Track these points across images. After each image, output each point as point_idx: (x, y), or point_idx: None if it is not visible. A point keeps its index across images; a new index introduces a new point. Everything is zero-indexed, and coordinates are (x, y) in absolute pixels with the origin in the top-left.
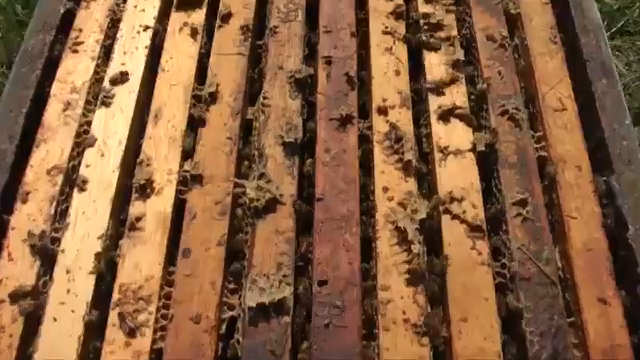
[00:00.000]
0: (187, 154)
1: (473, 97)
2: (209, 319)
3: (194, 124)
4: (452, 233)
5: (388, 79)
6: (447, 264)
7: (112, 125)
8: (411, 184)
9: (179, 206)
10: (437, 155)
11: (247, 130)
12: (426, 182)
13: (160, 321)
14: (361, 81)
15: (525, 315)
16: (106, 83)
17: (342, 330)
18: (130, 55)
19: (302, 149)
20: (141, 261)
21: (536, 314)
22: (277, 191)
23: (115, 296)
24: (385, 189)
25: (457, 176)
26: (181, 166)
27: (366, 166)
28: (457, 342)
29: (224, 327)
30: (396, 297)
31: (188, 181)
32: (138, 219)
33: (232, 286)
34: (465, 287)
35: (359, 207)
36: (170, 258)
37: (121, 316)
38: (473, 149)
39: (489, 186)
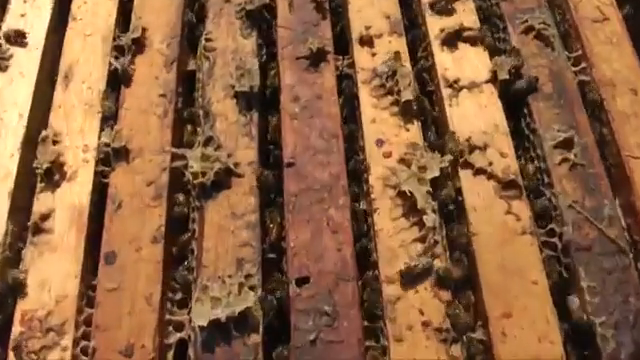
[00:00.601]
0: (108, 122)
1: (484, 14)
2: (145, 349)
3: (116, 82)
4: (477, 194)
5: (370, 1)
6: (474, 237)
7: (9, 94)
8: (414, 132)
9: (99, 194)
10: (445, 92)
11: (187, 84)
12: (433, 129)
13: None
14: (335, 7)
15: (590, 300)
16: (1, 41)
17: (336, 347)
18: (32, 3)
19: (261, 100)
20: (50, 276)
21: (605, 297)
22: (230, 159)
23: (16, 329)
24: (379, 142)
25: (475, 117)
26: (100, 139)
27: (350, 115)
28: (500, 347)
29: (170, 357)
30: (409, 292)
31: (110, 158)
32: (44, 217)
33: (178, 297)
34: (503, 268)
35: (345, 170)
36: (90, 267)
37: (22, 355)
38: (493, 79)
39: (518, 127)
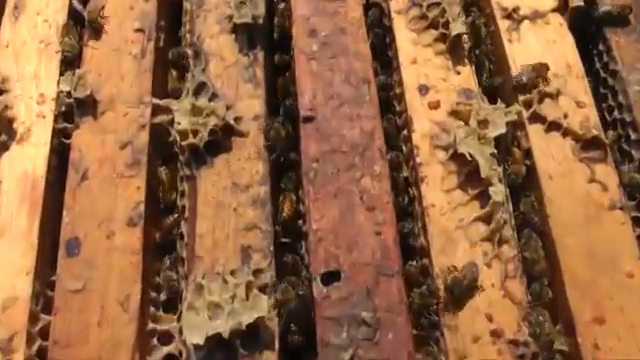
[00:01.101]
0: (70, 65)
1: None
2: None
3: (79, 14)
4: (551, 156)
5: None
6: (550, 214)
7: None
8: (467, 76)
9: (59, 159)
10: (502, 24)
11: (172, 16)
12: (486, 71)
13: None
14: None
15: None
16: None
17: None
18: None
19: (268, 36)
20: None
21: None
22: (229, 113)
23: None
24: (423, 89)
25: (542, 55)
26: (60, 87)
27: (382, 56)
28: None
29: None
30: (472, 290)
31: (73, 112)
32: None
33: (164, 297)
34: (590, 256)
35: (381, 126)
36: (47, 259)
37: None
38: (562, 6)
39: (591, 68)
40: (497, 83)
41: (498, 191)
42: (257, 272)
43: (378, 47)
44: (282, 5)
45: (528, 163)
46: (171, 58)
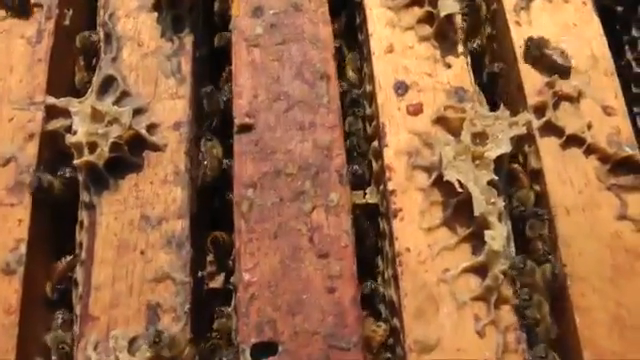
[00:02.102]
0: None
1: None
2: None
3: None
4: (569, 181)
5: None
6: (568, 264)
7: None
8: (459, 69)
9: None
10: (508, 1)
11: None
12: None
13: None
14: None
15: None
16: None
17: None
18: None
19: (199, 16)
20: None
21: None
22: (142, 119)
23: None
24: (400, 87)
25: (557, 42)
26: None
27: (347, 40)
28: None
29: None
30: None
31: None
32: None
33: None
34: (618, 322)
35: (342, 138)
36: None
37: None
38: None
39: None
40: (497, 69)
41: (497, 236)
42: (168, 342)
43: (344, 26)
44: None
45: (538, 189)
46: (78, 43)
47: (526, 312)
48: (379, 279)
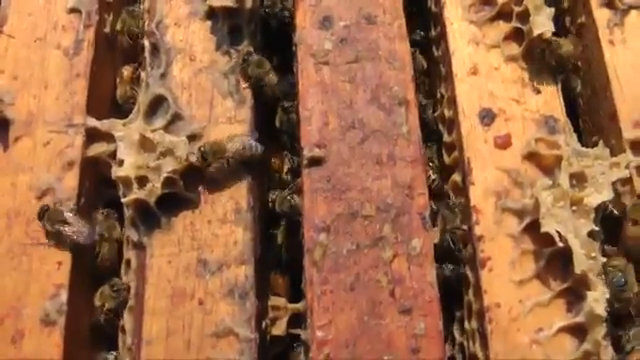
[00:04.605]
0: None
1: None
2: None
3: None
4: None
5: None
6: None
7: None
8: (550, 96)
9: None
10: (600, 16)
11: None
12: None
13: None
14: None
15: None
16: None
17: None
18: None
19: (260, 28)
20: None
21: None
22: (196, 145)
23: None
24: (486, 115)
25: None
26: None
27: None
28: None
29: None
30: None
31: None
32: None
33: None
34: None
35: (424, 174)
36: None
37: None
38: None
39: None
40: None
41: (599, 297)
42: None
43: (419, 45)
44: None
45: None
46: (122, 48)
47: None
48: (454, 325)
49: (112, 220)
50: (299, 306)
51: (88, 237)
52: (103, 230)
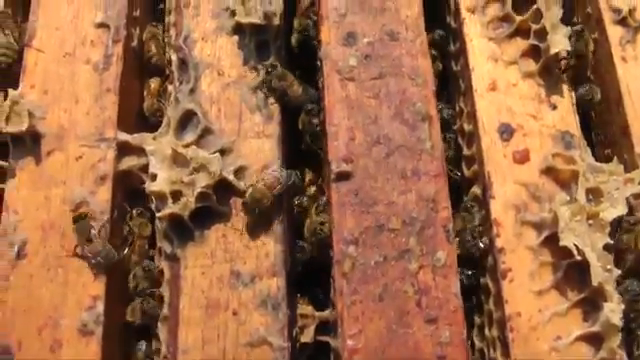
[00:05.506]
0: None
1: None
2: None
3: None
4: None
5: None
6: None
7: None
8: (566, 111)
9: None
10: (613, 33)
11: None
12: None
13: None
14: None
15: None
16: None
17: None
18: None
19: (286, 44)
20: None
21: None
22: (228, 162)
23: None
24: (506, 131)
25: None
26: None
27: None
28: None
29: None
30: None
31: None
32: None
33: None
34: None
35: (446, 187)
36: None
37: None
38: None
39: None
40: (596, 99)
41: (615, 308)
42: None
43: (438, 59)
44: None
45: None
46: (151, 63)
47: None
48: (474, 331)
49: (145, 219)
50: (326, 314)
51: (105, 258)
52: (135, 227)
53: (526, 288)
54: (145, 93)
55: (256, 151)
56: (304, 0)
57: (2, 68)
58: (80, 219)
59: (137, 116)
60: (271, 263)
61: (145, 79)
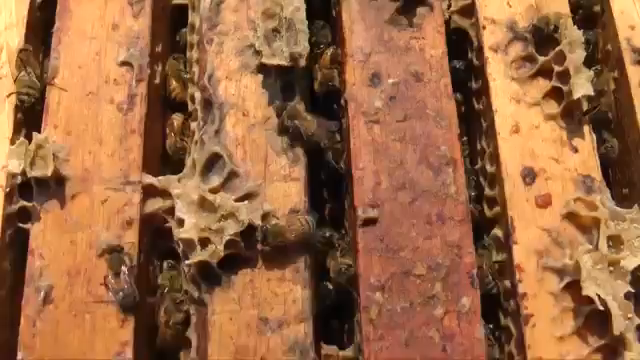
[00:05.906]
0: (27, 113)
1: None
2: None
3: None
4: None
5: None
6: None
7: None
8: (587, 155)
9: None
10: (634, 73)
11: (173, 36)
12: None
13: None
14: None
15: None
16: None
17: None
18: None
19: (308, 84)
20: None
21: None
22: (255, 207)
23: None
24: (529, 176)
25: None
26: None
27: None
28: None
29: None
30: None
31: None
32: None
33: None
34: None
35: (471, 233)
36: None
37: None
38: None
39: None
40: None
41: (636, 358)
42: None
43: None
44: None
45: None
46: (174, 99)
47: None
48: None
49: (175, 272)
50: (350, 354)
51: (125, 297)
52: (166, 280)
53: (548, 333)
54: (168, 130)
55: (282, 195)
56: (326, 53)
57: (25, 107)
58: (115, 251)
59: (160, 154)
60: (298, 310)
61: (167, 114)
